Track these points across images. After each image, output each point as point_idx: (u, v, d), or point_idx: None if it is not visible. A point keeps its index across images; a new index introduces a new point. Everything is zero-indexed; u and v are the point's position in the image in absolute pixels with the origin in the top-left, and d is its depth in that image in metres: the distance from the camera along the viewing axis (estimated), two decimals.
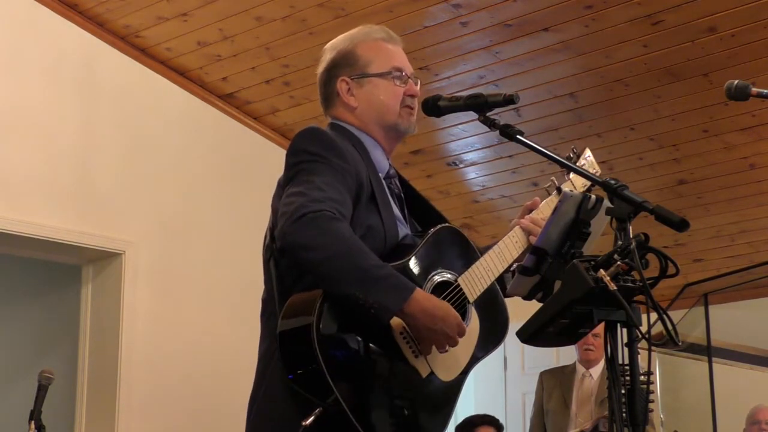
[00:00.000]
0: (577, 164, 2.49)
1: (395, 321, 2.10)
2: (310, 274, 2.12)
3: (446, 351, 2.16)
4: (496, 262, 2.33)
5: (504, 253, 2.36)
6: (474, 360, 2.28)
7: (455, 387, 2.24)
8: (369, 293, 2.03)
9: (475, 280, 2.28)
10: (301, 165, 2.21)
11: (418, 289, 2.09)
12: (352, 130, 2.38)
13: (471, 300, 2.27)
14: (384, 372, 2.11)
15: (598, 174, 2.51)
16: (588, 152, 2.57)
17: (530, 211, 2.48)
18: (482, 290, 2.29)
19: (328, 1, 4.90)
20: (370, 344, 2.10)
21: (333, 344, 2.05)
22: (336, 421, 2.01)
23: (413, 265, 2.21)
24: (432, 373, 2.17)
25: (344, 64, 2.40)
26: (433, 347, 2.14)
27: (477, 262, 2.31)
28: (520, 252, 2.39)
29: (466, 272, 2.28)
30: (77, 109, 5.25)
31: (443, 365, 2.19)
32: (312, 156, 2.21)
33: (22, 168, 4.98)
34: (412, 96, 2.40)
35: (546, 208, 2.47)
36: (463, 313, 2.25)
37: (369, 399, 2.07)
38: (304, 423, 1.98)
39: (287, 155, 2.27)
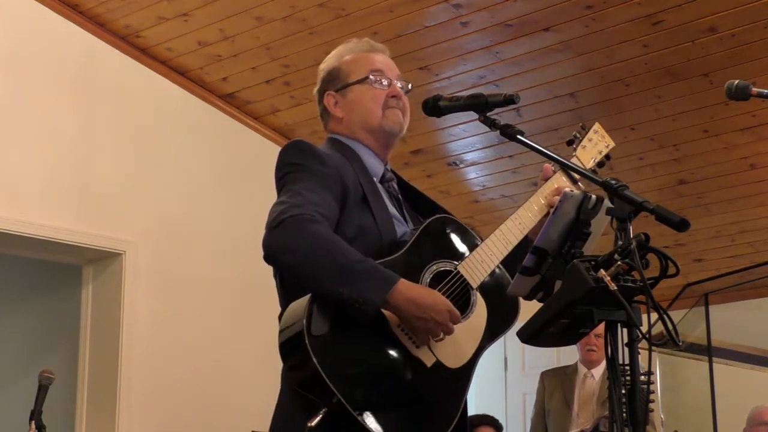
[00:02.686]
0: (585, 139, 2.50)
1: (389, 313, 2.11)
2: (293, 278, 2.16)
3: (442, 339, 2.16)
4: (498, 246, 2.32)
5: (507, 236, 2.34)
6: (483, 345, 2.27)
7: (465, 373, 2.22)
8: (351, 288, 2.05)
9: (477, 266, 2.28)
10: (285, 178, 2.28)
11: (401, 279, 2.11)
12: (344, 140, 2.44)
13: (474, 286, 2.27)
14: (385, 366, 2.11)
15: (610, 146, 2.52)
16: (597, 125, 2.56)
17: (545, 179, 2.46)
18: (485, 275, 2.28)
19: (328, 1, 4.90)
20: (368, 340, 2.11)
21: (326, 345, 2.05)
22: (344, 420, 2.01)
23: (408, 257, 2.22)
24: (438, 361, 2.16)
25: (329, 80, 2.49)
26: (428, 336, 2.14)
27: (477, 248, 2.31)
28: (524, 234, 2.37)
29: (466, 259, 2.28)
30: (77, 109, 5.25)
31: (449, 353, 2.19)
32: (293, 167, 2.28)
33: (22, 168, 4.99)
34: (395, 97, 2.43)
35: (559, 178, 2.44)
36: (467, 300, 2.26)
37: (373, 395, 2.07)
38: (309, 424, 1.99)
39: (275, 173, 2.33)
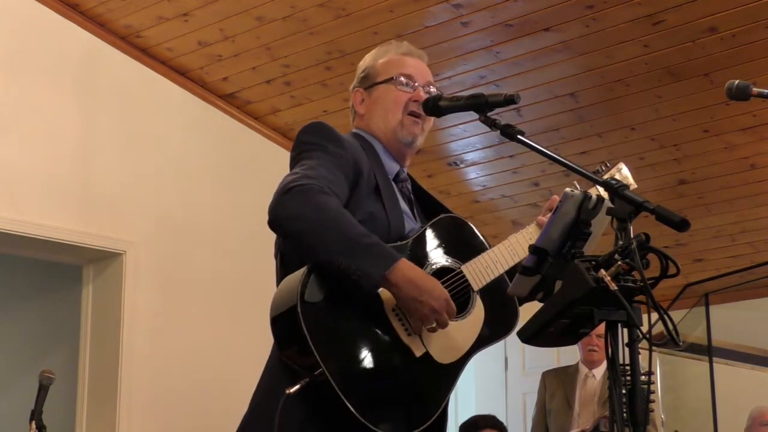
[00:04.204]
0: (607, 174, 2.49)
1: (386, 296, 2.12)
2: (295, 245, 2.16)
3: (434, 329, 2.15)
4: (506, 254, 2.34)
5: (515, 247, 2.36)
6: (476, 347, 2.27)
7: (452, 371, 2.21)
8: (352, 260, 2.05)
9: (482, 270, 2.29)
10: (300, 155, 2.28)
11: (403, 258, 2.11)
12: (365, 136, 2.45)
13: (476, 288, 2.28)
14: (373, 348, 2.11)
15: (632, 188, 2.51)
16: (622, 166, 2.56)
17: (551, 210, 2.47)
18: (489, 280, 2.29)
19: (328, 1, 4.90)
20: (360, 319, 2.11)
21: (318, 316, 2.06)
22: (324, 393, 2.01)
23: (411, 248, 2.24)
24: (427, 353, 2.16)
25: (363, 78, 2.51)
26: (421, 324, 2.14)
27: (485, 253, 2.32)
28: None
29: (471, 261, 2.29)
30: (78, 109, 5.25)
31: (441, 347, 2.18)
32: (310, 145, 2.29)
33: (22, 168, 4.98)
34: (417, 102, 2.41)
35: None
36: (466, 301, 2.26)
37: (356, 374, 2.07)
38: (288, 390, 2.00)
39: (291, 151, 2.34)
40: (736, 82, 2.55)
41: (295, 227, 2.11)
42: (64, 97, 5.20)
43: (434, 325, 2.14)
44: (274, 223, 2.15)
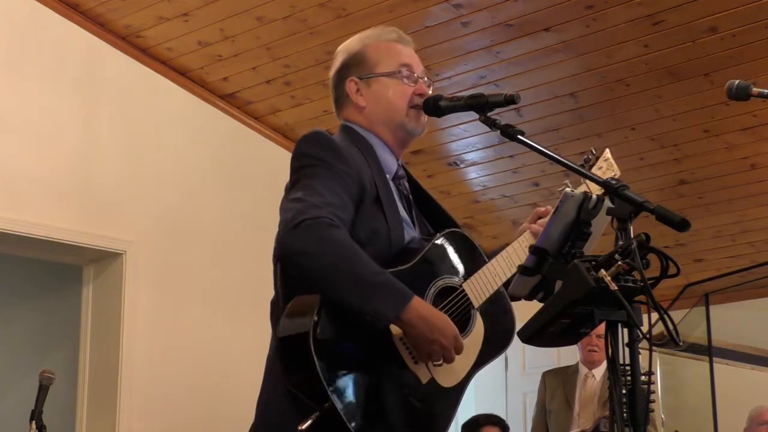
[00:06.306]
0: (596, 165, 2.47)
1: (394, 327, 2.10)
2: (306, 281, 2.10)
3: (440, 365, 2.14)
4: (503, 267, 2.31)
5: (512, 257, 2.33)
6: (477, 366, 2.27)
7: (456, 393, 2.22)
8: (365, 301, 2.02)
9: (481, 286, 2.27)
10: (303, 170, 2.20)
11: (415, 297, 2.08)
12: (360, 130, 2.38)
13: (476, 306, 2.26)
14: (382, 378, 2.10)
15: (617, 175, 2.50)
16: (607, 152, 2.55)
17: (540, 217, 2.43)
18: (488, 296, 2.27)
19: (329, 1, 4.91)
20: (369, 350, 2.09)
21: (329, 350, 2.03)
22: (335, 426, 2.00)
23: (417, 270, 2.20)
24: (432, 378, 2.16)
25: (353, 65, 2.40)
26: (428, 359, 2.13)
27: (483, 267, 2.30)
28: None
29: (471, 278, 2.27)
30: (78, 109, 5.25)
31: (444, 371, 2.18)
32: (313, 160, 2.20)
33: (22, 168, 4.98)
34: (422, 95, 2.37)
35: None
36: (467, 319, 2.25)
37: (366, 405, 2.06)
38: (300, 427, 1.98)
39: (291, 160, 2.26)
40: (737, 82, 2.55)
41: (308, 264, 2.06)
42: (64, 97, 5.20)
43: (441, 361, 2.14)
44: (284, 259, 2.11)
